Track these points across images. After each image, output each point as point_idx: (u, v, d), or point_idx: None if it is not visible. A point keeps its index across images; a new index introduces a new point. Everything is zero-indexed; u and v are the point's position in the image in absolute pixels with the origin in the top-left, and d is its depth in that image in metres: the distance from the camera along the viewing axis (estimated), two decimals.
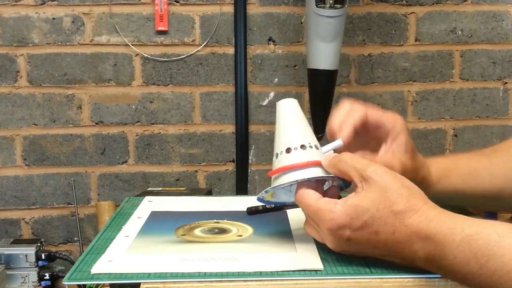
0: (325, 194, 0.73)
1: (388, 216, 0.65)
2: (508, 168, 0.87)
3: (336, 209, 0.67)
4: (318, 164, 0.72)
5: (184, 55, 1.94)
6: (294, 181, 0.72)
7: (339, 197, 0.72)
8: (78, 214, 1.95)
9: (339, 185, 0.75)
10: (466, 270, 0.61)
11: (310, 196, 0.70)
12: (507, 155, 0.88)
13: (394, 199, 0.65)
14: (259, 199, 0.77)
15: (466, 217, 0.64)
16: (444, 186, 0.85)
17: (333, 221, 0.67)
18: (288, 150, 0.74)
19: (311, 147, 0.73)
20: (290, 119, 0.76)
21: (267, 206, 0.89)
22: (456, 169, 0.86)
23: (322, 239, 0.70)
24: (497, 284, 0.59)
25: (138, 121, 1.96)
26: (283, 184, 0.74)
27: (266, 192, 0.76)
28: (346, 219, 0.66)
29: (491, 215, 1.70)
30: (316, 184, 0.73)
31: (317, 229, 0.70)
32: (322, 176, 0.72)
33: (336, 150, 0.76)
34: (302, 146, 0.73)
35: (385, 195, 0.65)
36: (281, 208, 0.90)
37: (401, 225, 0.64)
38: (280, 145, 0.75)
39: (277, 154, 0.75)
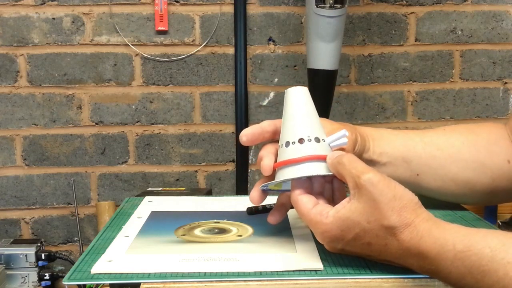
0: (333, 188, 0.74)
1: (379, 230, 0.64)
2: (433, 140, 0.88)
3: (327, 221, 0.67)
4: (313, 158, 0.71)
5: (184, 55, 1.94)
6: (288, 179, 0.72)
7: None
8: (78, 214, 1.95)
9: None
10: (463, 283, 0.61)
11: (303, 204, 0.69)
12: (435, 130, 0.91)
13: (384, 213, 0.64)
14: (263, 190, 0.77)
15: (458, 229, 0.63)
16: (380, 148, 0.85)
17: (325, 233, 0.67)
18: (287, 144, 0.73)
19: (310, 141, 0.72)
20: (292, 110, 0.75)
21: (267, 206, 0.89)
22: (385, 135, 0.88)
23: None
24: None
25: (138, 121, 1.96)
26: (276, 182, 0.73)
27: (266, 186, 0.76)
28: (337, 232, 0.66)
29: (491, 215, 1.70)
30: (311, 180, 0.73)
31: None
32: (314, 175, 0.72)
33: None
34: (301, 140, 0.72)
35: (376, 207, 0.64)
36: None
37: (393, 239, 0.64)
38: (281, 137, 0.75)
39: (280, 145, 0.74)
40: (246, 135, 0.77)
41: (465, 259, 0.60)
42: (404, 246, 0.64)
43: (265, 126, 0.77)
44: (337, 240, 0.67)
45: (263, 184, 0.75)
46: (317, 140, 0.72)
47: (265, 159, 0.75)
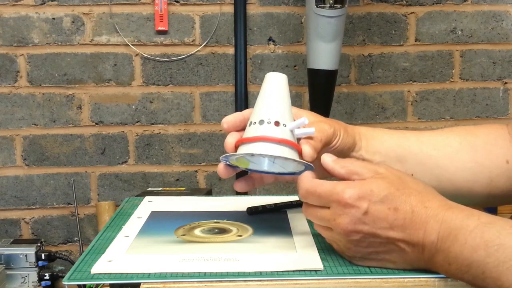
0: None
1: (409, 195, 0.66)
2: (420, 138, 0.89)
3: (357, 182, 0.68)
4: (265, 139, 0.73)
5: (184, 55, 1.94)
6: (240, 154, 0.74)
7: None
8: (78, 214, 1.95)
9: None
10: (474, 257, 0.61)
11: (321, 182, 0.69)
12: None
13: (412, 184, 0.68)
14: (224, 160, 0.77)
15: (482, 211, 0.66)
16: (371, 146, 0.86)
17: (354, 190, 0.66)
18: (250, 124, 0.75)
19: (270, 123, 0.74)
20: (264, 93, 0.76)
21: (268, 206, 0.89)
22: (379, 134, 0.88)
23: (332, 234, 0.69)
24: (501, 275, 0.59)
25: (138, 121, 1.96)
26: (229, 154, 0.75)
27: (226, 160, 0.77)
28: (368, 190, 0.66)
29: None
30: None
31: (329, 219, 0.68)
32: (261, 154, 0.73)
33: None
34: (261, 122, 0.74)
35: (404, 180, 0.68)
36: (281, 208, 0.90)
37: (421, 206, 0.66)
38: (250, 118, 0.76)
39: (250, 122, 0.76)
40: (228, 122, 0.79)
41: (484, 230, 0.62)
42: (430, 213, 0.65)
43: (247, 113, 0.79)
44: (364, 198, 0.66)
45: (223, 156, 0.77)
46: (277, 123, 0.74)
47: (229, 137, 0.78)
